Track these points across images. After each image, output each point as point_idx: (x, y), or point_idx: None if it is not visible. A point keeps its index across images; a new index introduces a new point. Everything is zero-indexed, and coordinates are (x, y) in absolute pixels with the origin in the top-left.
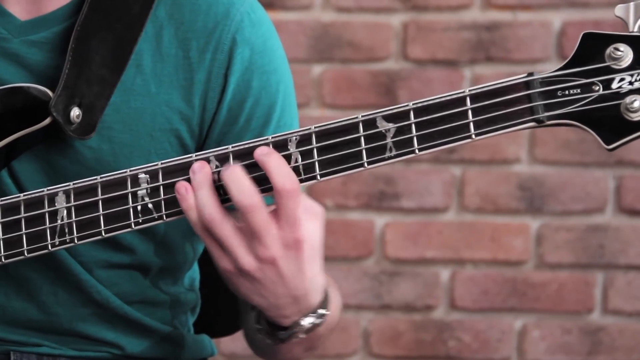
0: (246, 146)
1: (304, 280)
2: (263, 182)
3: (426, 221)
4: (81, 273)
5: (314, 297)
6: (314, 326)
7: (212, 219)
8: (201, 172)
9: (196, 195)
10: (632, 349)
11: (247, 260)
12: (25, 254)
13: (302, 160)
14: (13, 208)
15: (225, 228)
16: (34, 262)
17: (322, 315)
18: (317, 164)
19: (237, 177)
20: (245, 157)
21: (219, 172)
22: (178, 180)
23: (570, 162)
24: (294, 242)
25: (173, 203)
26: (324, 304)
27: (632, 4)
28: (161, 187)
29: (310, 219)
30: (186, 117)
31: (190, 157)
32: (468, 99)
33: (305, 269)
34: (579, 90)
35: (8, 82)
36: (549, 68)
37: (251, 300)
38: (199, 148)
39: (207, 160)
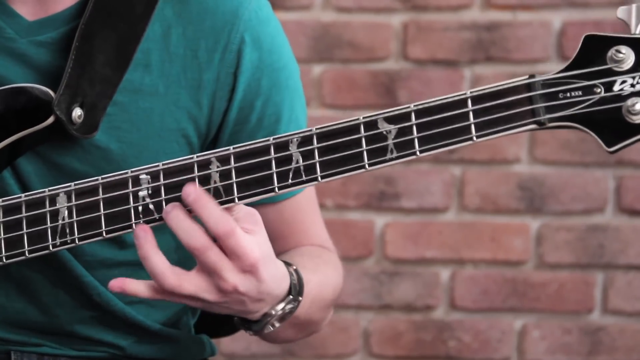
0: (247, 147)
1: (264, 287)
2: None
3: (426, 221)
4: (83, 275)
5: (277, 289)
6: (287, 312)
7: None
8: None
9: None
10: (632, 349)
11: (213, 296)
12: (27, 254)
13: (303, 162)
14: (14, 208)
15: (186, 279)
16: (35, 263)
17: (292, 301)
18: (318, 165)
19: (180, 221)
20: (246, 157)
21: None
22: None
23: (570, 162)
24: (250, 267)
25: None
26: (295, 289)
27: (634, 6)
28: (162, 187)
29: (253, 231)
30: (194, 117)
31: (192, 157)
32: (469, 101)
33: (264, 278)
34: (580, 93)
35: (14, 82)
36: (549, 68)
37: (220, 313)
38: (204, 147)
39: (209, 161)
